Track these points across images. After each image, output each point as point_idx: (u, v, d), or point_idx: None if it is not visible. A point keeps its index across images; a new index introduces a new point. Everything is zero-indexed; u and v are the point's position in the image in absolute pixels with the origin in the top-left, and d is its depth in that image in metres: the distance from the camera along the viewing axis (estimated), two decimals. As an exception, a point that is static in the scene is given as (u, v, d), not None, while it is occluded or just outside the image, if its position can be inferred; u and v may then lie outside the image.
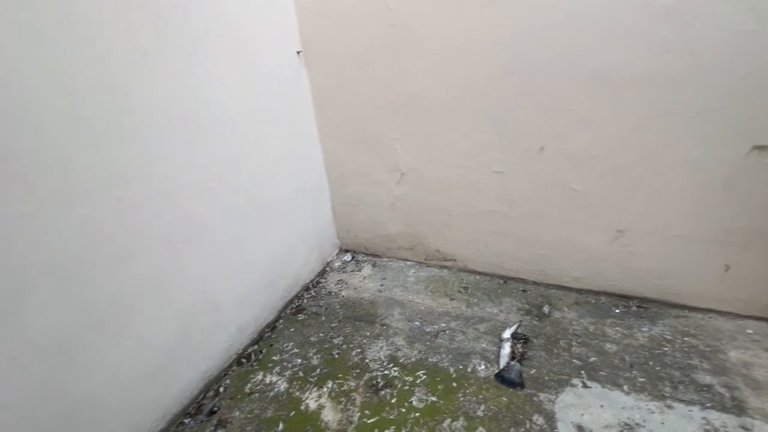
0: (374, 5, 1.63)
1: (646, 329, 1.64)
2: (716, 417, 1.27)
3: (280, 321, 1.85)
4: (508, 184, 1.78)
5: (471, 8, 1.50)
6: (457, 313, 1.82)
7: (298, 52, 1.82)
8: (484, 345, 1.63)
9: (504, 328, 1.68)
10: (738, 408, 1.30)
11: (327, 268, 2.23)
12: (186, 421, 1.40)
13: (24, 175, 0.92)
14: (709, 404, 1.31)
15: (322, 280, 2.13)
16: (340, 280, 2.12)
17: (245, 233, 1.63)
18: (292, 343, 1.72)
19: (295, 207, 1.94)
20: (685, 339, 1.58)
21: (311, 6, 1.73)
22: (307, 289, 2.06)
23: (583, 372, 1.47)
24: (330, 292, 2.03)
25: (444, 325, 1.75)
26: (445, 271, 2.13)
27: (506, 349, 1.57)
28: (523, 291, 1.93)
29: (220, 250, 1.51)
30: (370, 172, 2.03)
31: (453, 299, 1.91)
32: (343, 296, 2.00)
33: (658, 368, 1.46)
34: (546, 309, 1.79)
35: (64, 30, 0.97)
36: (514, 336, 1.63)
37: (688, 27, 1.28)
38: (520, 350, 1.57)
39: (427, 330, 1.73)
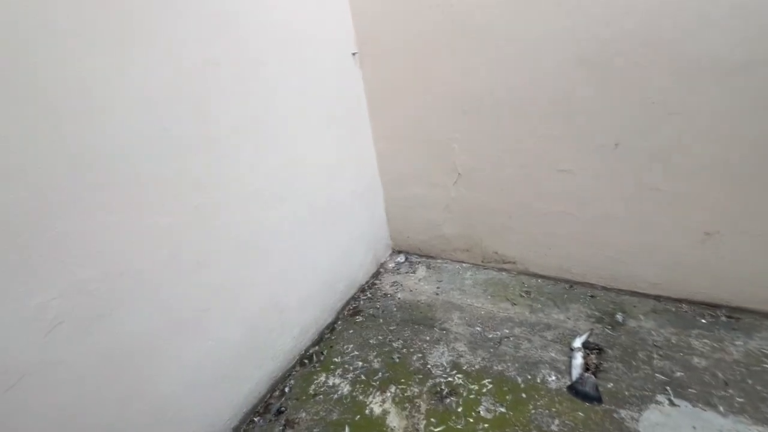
0: (433, 0, 1.58)
1: (741, 343, 1.48)
2: (838, 448, 1.12)
3: (339, 322, 1.87)
4: (576, 184, 1.67)
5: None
6: (520, 319, 1.74)
7: (354, 54, 1.81)
8: (552, 354, 1.54)
9: (574, 337, 1.58)
10: None
11: (381, 270, 2.22)
12: (256, 419, 1.45)
13: (115, 186, 0.97)
14: (827, 432, 1.16)
15: (377, 282, 2.13)
16: (395, 282, 2.10)
17: (306, 237, 1.65)
18: (351, 345, 1.72)
19: (352, 209, 1.94)
20: (791, 355, 1.41)
21: (365, 5, 1.71)
22: (363, 290, 2.06)
23: (668, 388, 1.35)
24: (386, 294, 2.02)
25: (507, 331, 1.68)
26: (504, 273, 2.04)
27: (578, 359, 1.47)
28: (592, 297, 1.81)
29: (285, 254, 1.54)
30: (426, 173, 1.99)
31: (515, 304, 1.83)
32: (399, 298, 1.98)
33: (759, 388, 1.31)
34: (619, 317, 1.67)
35: (148, 44, 1.01)
36: (586, 345, 1.53)
37: (804, 2, 1.12)
38: (594, 361, 1.47)
39: (490, 336, 1.67)
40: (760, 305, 1.57)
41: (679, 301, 1.70)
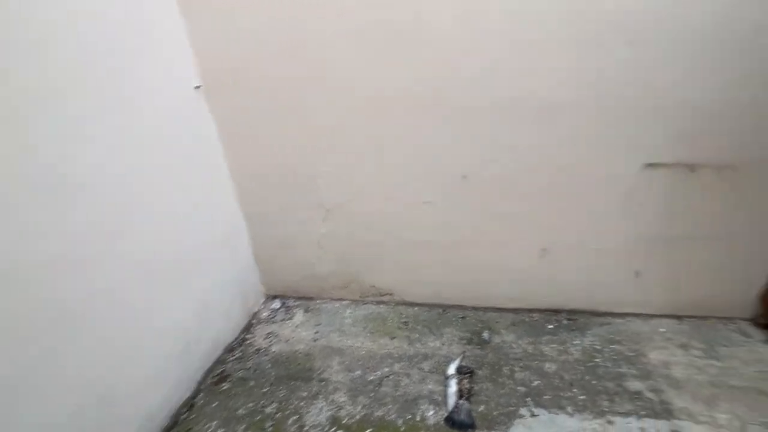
0: (285, 39, 1.52)
1: (578, 342, 1.70)
2: (651, 425, 1.32)
3: (200, 395, 1.58)
4: (438, 214, 1.75)
5: (383, 44, 1.46)
6: (399, 354, 1.72)
7: (197, 87, 1.62)
8: (430, 386, 1.54)
9: (448, 363, 1.61)
10: (667, 412, 1.37)
11: (253, 321, 1.99)
12: None
13: None
14: (643, 413, 1.37)
15: (249, 336, 1.89)
16: (269, 333, 1.90)
17: (144, 301, 1.36)
18: (215, 422, 1.46)
19: (208, 259, 1.70)
20: (612, 346, 1.66)
21: (210, 35, 1.56)
22: (230, 350, 1.80)
23: (528, 399, 1.46)
24: (259, 350, 1.81)
25: (387, 369, 1.64)
26: (382, 306, 2.03)
27: (452, 387, 1.50)
28: (463, 318, 1.91)
29: (110, 330, 1.23)
30: (293, 211, 1.88)
31: (394, 338, 1.81)
32: (274, 352, 1.78)
33: (594, 382, 1.50)
34: (486, 335, 1.78)
35: None
36: (459, 370, 1.57)
37: (588, 65, 1.38)
38: (467, 386, 1.51)
39: (370, 378, 1.60)
40: (588, 306, 1.85)
41: (531, 311, 1.90)
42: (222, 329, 1.79)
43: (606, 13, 1.31)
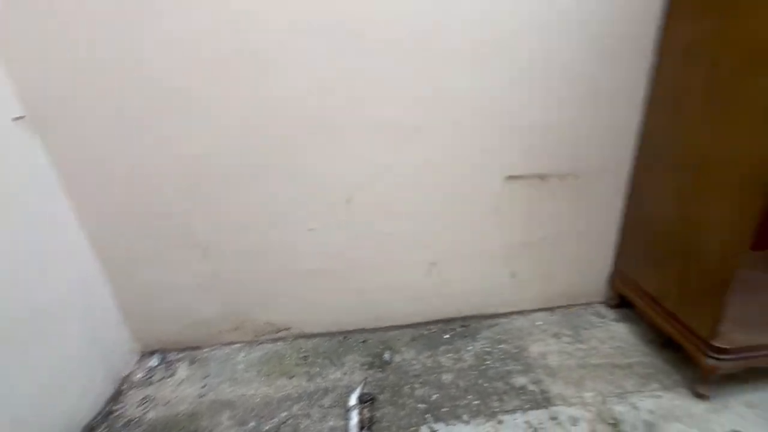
0: (124, 57, 1.35)
1: (471, 348, 1.79)
2: (534, 416, 1.43)
3: (45, 498, 1.27)
4: (325, 240, 1.71)
5: (251, 69, 1.40)
6: (298, 393, 1.61)
7: (17, 119, 1.35)
8: (331, 423, 1.46)
9: (349, 394, 1.56)
10: (546, 400, 1.50)
11: (123, 387, 1.69)
12: None
13: None
14: (527, 406, 1.48)
15: (118, 407, 1.60)
16: (145, 398, 1.63)
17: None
18: None
19: (53, 320, 1.40)
20: (500, 346, 1.79)
21: (33, 59, 1.32)
22: (91, 429, 1.49)
23: (428, 415, 1.47)
24: (130, 421, 1.53)
25: (285, 414, 1.52)
26: (280, 343, 1.89)
27: (353, 419, 1.44)
28: (364, 342, 1.88)
29: None
30: (164, 252, 1.66)
31: (292, 376, 1.69)
32: (150, 420, 1.53)
33: (486, 385, 1.59)
34: (387, 355, 1.77)
35: None
36: (361, 399, 1.53)
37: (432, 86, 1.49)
38: (368, 415, 1.47)
39: (266, 429, 1.46)
40: (477, 310, 1.97)
41: (428, 324, 1.95)
42: (77, 406, 1.47)
43: (455, 50, 1.44)
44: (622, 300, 1.91)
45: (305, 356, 1.81)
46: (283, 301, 1.83)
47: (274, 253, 1.72)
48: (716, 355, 1.37)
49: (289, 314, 1.87)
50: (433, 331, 1.92)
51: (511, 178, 1.69)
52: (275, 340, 1.91)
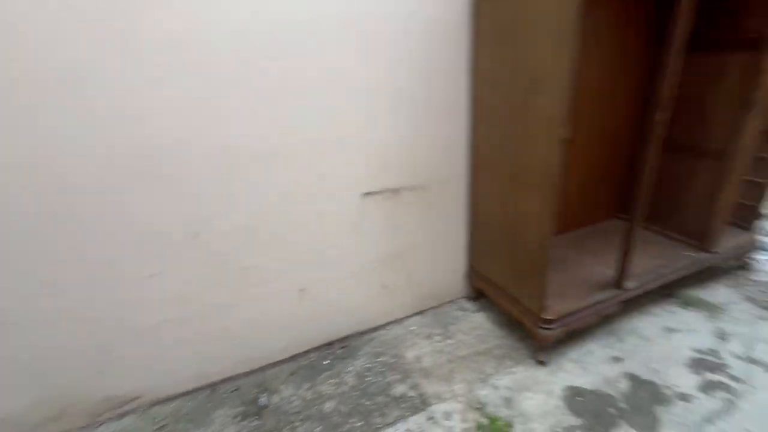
0: None
1: (351, 368, 1.77)
2: (413, 422, 1.48)
3: None
4: (171, 285, 1.49)
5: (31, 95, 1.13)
6: (154, 475, 1.34)
7: None
8: (198, 498, 1.26)
9: (220, 456, 1.37)
10: (423, 402, 1.57)
11: None
12: None
13: None
14: (408, 413, 1.52)
15: None
16: None
17: None
18: None
19: None
20: (379, 359, 1.81)
21: None
22: None
23: (311, 453, 1.39)
24: None
25: (136, 506, 1.24)
26: (129, 418, 1.56)
27: (226, 485, 1.26)
28: (236, 390, 1.69)
29: None
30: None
31: (145, 456, 1.41)
32: None
33: (368, 403, 1.58)
34: (263, 399, 1.62)
35: None
36: (234, 458, 1.36)
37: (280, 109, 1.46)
38: (243, 474, 1.31)
39: None
40: (356, 328, 1.97)
41: (307, 352, 1.87)
42: None
43: (305, 78, 1.43)
44: (479, 292, 2.15)
45: (163, 426, 1.53)
46: (125, 366, 1.53)
47: (103, 311, 1.42)
48: (546, 326, 1.64)
49: (136, 380, 1.57)
50: (313, 359, 1.84)
51: (367, 194, 1.75)
52: (122, 416, 1.57)
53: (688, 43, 1.97)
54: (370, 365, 1.78)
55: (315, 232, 1.69)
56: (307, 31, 1.41)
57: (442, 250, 2.06)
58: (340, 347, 1.90)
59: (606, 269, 1.90)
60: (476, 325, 2.01)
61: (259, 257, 1.61)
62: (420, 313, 2.12)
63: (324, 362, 1.82)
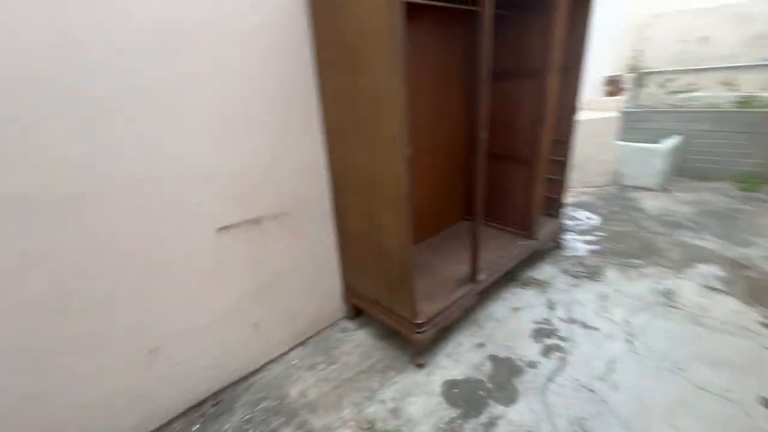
0: None
1: (228, 425, 1.57)
2: (303, 465, 1.38)
3: None
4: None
5: None
6: None
7: None
8: None
9: None
10: (312, 440, 1.48)
11: None
12: None
13: None
14: (295, 457, 1.41)
15: None
16: None
17: None
18: None
19: None
20: (260, 406, 1.65)
21: None
22: None
23: None
24: None
25: None
26: None
27: None
28: (69, 501, 1.31)
29: None
30: None
31: None
32: None
33: (250, 460, 1.42)
34: (111, 500, 1.29)
35: None
36: None
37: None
38: None
39: None
40: (229, 378, 1.76)
41: (170, 422, 1.58)
42: None
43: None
44: (357, 309, 2.17)
45: None
46: None
47: None
48: (420, 330, 1.75)
49: None
50: (178, 429, 1.57)
51: (223, 229, 1.60)
52: None
53: (497, 72, 2.43)
54: (250, 416, 1.61)
55: (162, 279, 1.46)
56: (133, 50, 1.23)
57: (315, 275, 2.02)
58: (212, 405, 1.67)
59: (462, 267, 2.14)
60: (358, 343, 2.02)
61: (89, 320, 1.30)
62: (301, 344, 2.03)
63: (193, 429, 1.56)
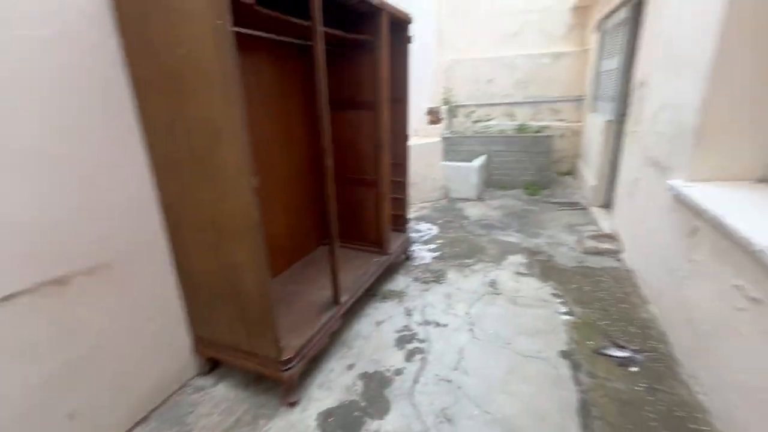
0: None
1: None
2: None
3: None
4: None
5: None
6: None
7: None
8: None
9: None
10: None
11: None
12: None
13: None
14: None
15: None
16: None
17: None
18: None
19: None
20: None
21: None
22: None
23: None
24: None
25: None
26: None
27: None
28: None
29: None
30: None
31: None
32: None
33: None
34: None
35: None
36: None
37: None
38: None
39: None
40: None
41: None
42: None
43: None
44: (213, 362, 1.93)
45: None
46: None
47: None
48: (287, 367, 1.66)
49: None
50: None
51: (8, 298, 1.21)
52: None
53: (340, 102, 2.59)
54: None
55: None
56: None
57: (153, 332, 1.70)
58: None
59: (324, 292, 2.15)
60: (219, 399, 1.79)
61: None
62: (142, 421, 1.66)
63: None
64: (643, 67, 2.90)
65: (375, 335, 2.20)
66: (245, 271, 1.57)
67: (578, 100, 5.45)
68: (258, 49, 2.10)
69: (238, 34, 1.31)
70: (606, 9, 4.14)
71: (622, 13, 3.63)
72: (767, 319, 1.29)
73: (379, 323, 2.31)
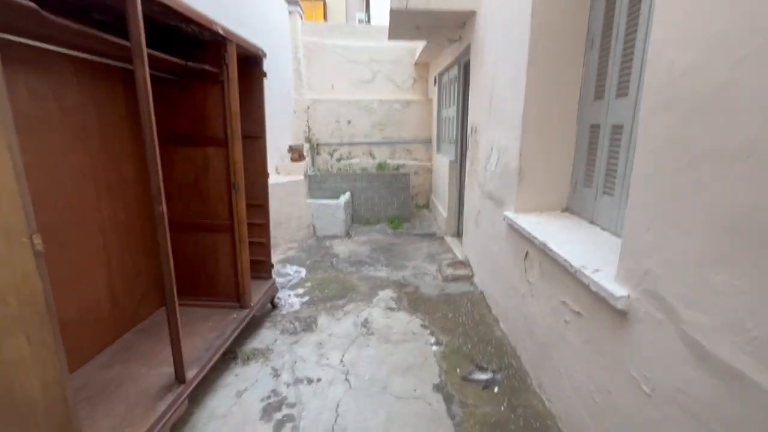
0: None
1: None
2: None
3: None
4: None
5: None
6: None
7: None
8: None
9: None
10: None
11: None
12: None
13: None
14: None
15: None
16: None
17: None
18: None
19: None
20: None
21: None
22: None
23: None
24: None
25: None
26: None
27: None
28: None
29: None
30: None
31: None
32: None
33: None
34: None
35: None
36: None
37: None
38: None
39: None
40: None
41: None
42: None
43: None
44: None
45: None
46: None
47: None
48: None
49: None
50: None
51: None
52: None
53: (179, 138, 2.23)
54: None
55: None
56: None
57: None
58: None
59: (165, 368, 1.72)
60: None
61: None
62: None
63: None
64: (473, 116, 3.42)
65: (235, 411, 1.84)
66: (27, 370, 1.10)
67: (427, 142, 6.14)
68: (61, 68, 1.66)
69: (22, 45, 0.97)
70: (441, 66, 4.84)
71: (454, 71, 4.28)
72: (587, 330, 1.53)
73: (240, 393, 1.96)
